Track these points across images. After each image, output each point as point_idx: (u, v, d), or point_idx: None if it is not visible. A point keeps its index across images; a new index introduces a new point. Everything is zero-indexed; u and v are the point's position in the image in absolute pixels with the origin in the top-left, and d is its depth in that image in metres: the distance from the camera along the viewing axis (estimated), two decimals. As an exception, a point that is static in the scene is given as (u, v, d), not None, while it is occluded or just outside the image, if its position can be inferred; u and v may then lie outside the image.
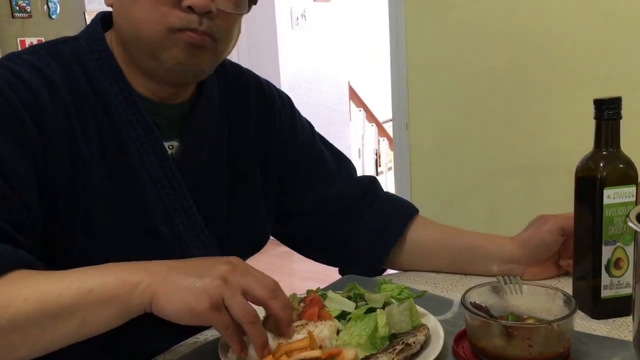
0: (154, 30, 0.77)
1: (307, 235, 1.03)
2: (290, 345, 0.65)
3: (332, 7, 4.37)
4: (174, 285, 0.64)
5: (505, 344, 0.65)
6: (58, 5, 3.34)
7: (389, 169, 4.42)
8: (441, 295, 0.89)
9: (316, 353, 0.64)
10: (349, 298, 0.77)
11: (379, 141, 4.85)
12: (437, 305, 0.83)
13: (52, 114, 0.76)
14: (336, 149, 1.08)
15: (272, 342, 0.66)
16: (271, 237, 1.03)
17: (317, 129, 1.08)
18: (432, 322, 0.74)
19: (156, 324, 0.68)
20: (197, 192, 0.87)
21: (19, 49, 3.18)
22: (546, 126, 1.89)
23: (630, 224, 0.61)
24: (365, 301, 0.75)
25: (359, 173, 1.08)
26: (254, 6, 0.85)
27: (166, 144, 0.85)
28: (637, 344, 0.64)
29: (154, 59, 0.79)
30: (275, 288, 0.67)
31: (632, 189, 0.77)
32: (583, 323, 0.79)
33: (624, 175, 0.77)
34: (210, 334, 0.80)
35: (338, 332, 0.70)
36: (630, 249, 0.78)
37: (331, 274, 1.04)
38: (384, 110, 4.12)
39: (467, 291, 0.71)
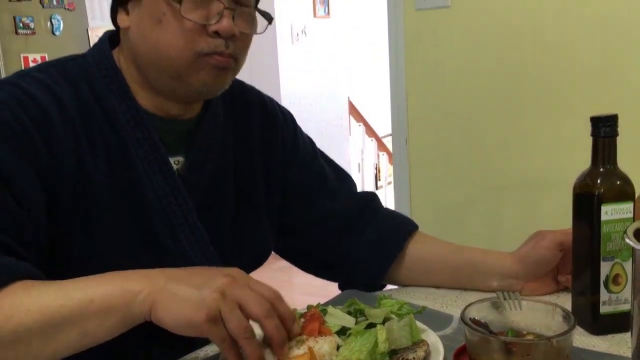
0: (182, 55, 0.80)
1: (307, 250, 1.04)
2: (290, 361, 0.66)
3: (332, 22, 4.40)
4: (173, 295, 0.65)
5: (505, 360, 0.65)
6: (61, 22, 3.37)
7: (389, 183, 4.42)
8: (441, 310, 0.90)
9: (316, 369, 0.64)
10: (349, 313, 0.77)
11: (378, 156, 4.86)
12: (437, 320, 0.83)
13: (60, 131, 0.77)
14: (337, 165, 1.09)
15: (272, 358, 0.67)
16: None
17: (317, 143, 1.09)
18: (432, 337, 0.75)
19: (158, 336, 0.68)
20: (202, 208, 0.88)
21: (22, 65, 3.23)
22: (544, 142, 1.90)
23: (627, 240, 0.61)
24: (365, 317, 0.76)
25: (359, 188, 1.09)
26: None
27: (172, 160, 0.86)
28: (636, 360, 0.64)
29: (178, 80, 0.82)
30: (275, 303, 0.67)
31: (629, 205, 0.77)
32: (582, 339, 0.79)
33: (621, 191, 0.78)
34: (210, 350, 0.80)
35: (338, 347, 0.70)
36: (628, 265, 0.78)
37: (331, 288, 1.04)
38: (383, 124, 4.13)
39: (466, 307, 0.71)
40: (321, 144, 1.11)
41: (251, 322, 0.66)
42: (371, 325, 0.73)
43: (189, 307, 0.63)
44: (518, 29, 1.88)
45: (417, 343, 0.71)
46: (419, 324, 0.74)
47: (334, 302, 0.89)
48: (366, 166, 4.75)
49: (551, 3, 1.80)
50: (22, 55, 3.22)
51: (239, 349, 0.65)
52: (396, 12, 2.10)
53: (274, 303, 0.67)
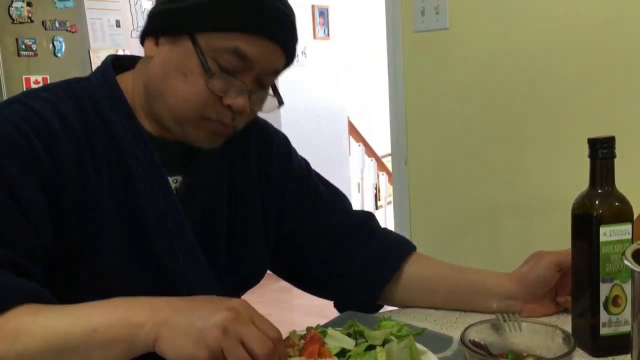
0: (189, 112, 0.82)
1: (303, 267, 1.04)
2: (291, 383, 0.65)
3: (332, 44, 4.44)
4: (177, 330, 0.65)
5: (505, 382, 0.65)
6: (63, 44, 3.41)
7: (389, 203, 4.42)
8: (441, 332, 0.89)
9: (316, 391, 0.64)
10: (349, 335, 0.77)
11: (378, 176, 4.87)
12: (437, 342, 0.83)
13: (64, 145, 0.79)
14: (332, 184, 1.09)
15: None
16: (269, 272, 1.04)
17: (317, 163, 1.10)
18: (432, 359, 0.74)
19: None
20: (199, 226, 0.89)
21: (24, 86, 3.26)
22: (543, 163, 1.90)
23: (626, 262, 0.61)
24: (365, 338, 0.76)
25: (359, 207, 1.09)
26: None
27: (170, 179, 0.88)
28: (637, 383, 0.63)
29: (176, 125, 0.84)
30: (276, 343, 0.66)
31: (627, 227, 0.78)
32: (583, 361, 0.79)
33: (620, 213, 0.78)
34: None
35: (338, 369, 0.70)
36: (627, 286, 0.78)
37: (330, 308, 1.04)
38: (383, 144, 4.15)
39: (466, 329, 0.71)
40: (321, 163, 1.12)
41: None
42: (371, 347, 0.73)
43: (191, 343, 0.64)
44: (517, 51, 1.89)
45: (417, 365, 0.71)
46: (418, 345, 0.74)
47: (334, 323, 0.89)
48: (366, 186, 4.76)
49: (550, 25, 1.82)
50: (24, 77, 3.25)
51: None
52: (395, 34, 2.12)
53: (276, 345, 0.66)
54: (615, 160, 0.79)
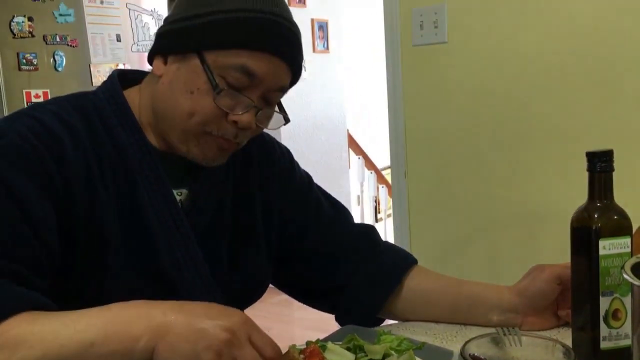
0: (191, 126, 0.83)
1: (304, 280, 1.04)
2: (289, 399, 0.65)
3: (331, 57, 4.47)
4: (173, 348, 0.65)
5: (506, 397, 0.65)
6: (64, 58, 3.42)
7: (389, 215, 4.42)
8: (441, 346, 0.89)
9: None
10: (349, 349, 0.77)
11: (378, 188, 4.87)
12: (437, 356, 0.82)
13: (72, 157, 0.79)
14: (334, 198, 1.10)
15: None
16: (270, 285, 1.04)
17: (317, 176, 1.11)
18: (432, 374, 0.74)
19: None
20: (204, 239, 0.90)
21: (25, 100, 3.27)
22: (543, 176, 1.91)
23: (625, 276, 0.62)
24: (365, 352, 0.75)
25: (359, 220, 1.10)
26: None
27: (175, 192, 0.88)
28: (637, 397, 0.63)
29: (182, 144, 0.85)
30: None
31: (626, 240, 0.78)
32: (583, 375, 0.78)
33: (619, 226, 0.78)
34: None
35: (338, 384, 0.70)
36: (627, 300, 0.78)
37: (331, 322, 1.03)
38: (382, 157, 4.15)
39: (466, 343, 0.71)
40: (320, 176, 1.13)
41: None
42: (371, 362, 0.72)
43: None
44: (515, 65, 1.90)
45: (417, 380, 0.70)
46: (418, 360, 0.74)
47: (334, 337, 0.89)
48: (365, 199, 4.75)
49: (547, 39, 1.84)
50: (24, 91, 3.26)
51: None
52: (394, 47, 2.13)
53: None
54: (614, 173, 0.79)
